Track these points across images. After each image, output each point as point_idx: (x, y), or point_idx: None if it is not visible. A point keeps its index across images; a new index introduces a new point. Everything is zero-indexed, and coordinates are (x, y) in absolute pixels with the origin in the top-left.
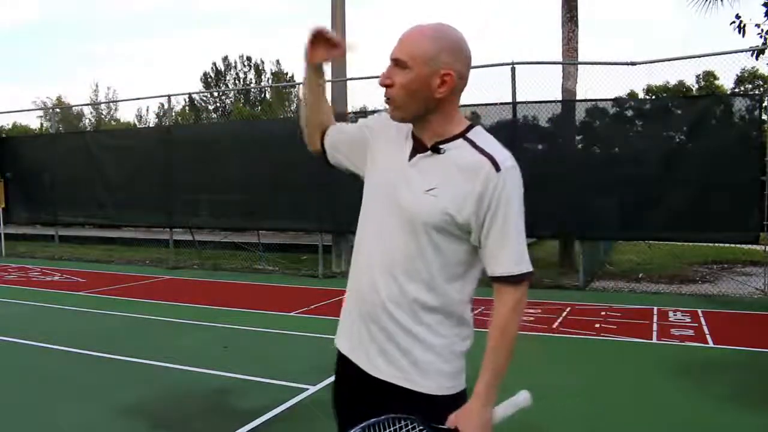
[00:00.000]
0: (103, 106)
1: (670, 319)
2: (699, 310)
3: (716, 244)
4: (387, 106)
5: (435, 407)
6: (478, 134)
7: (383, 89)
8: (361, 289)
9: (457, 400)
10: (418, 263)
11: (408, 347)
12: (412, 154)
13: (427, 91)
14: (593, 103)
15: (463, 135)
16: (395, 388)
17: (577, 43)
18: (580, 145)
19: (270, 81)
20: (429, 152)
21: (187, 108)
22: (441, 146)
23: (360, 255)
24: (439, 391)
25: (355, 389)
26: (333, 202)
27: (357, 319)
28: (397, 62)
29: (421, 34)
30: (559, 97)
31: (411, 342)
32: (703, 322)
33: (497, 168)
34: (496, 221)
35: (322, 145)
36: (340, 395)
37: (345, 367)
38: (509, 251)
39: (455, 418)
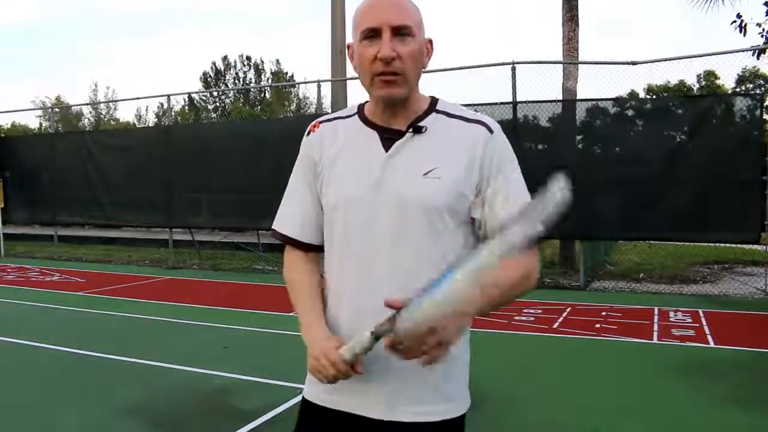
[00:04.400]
0: (102, 106)
1: (670, 319)
2: (700, 311)
3: (717, 244)
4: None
5: (453, 428)
6: (447, 104)
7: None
8: (357, 325)
9: (464, 416)
10: (434, 259)
11: (432, 369)
12: (387, 145)
13: (422, 62)
14: (594, 102)
15: (433, 109)
16: (422, 427)
17: (577, 42)
18: (580, 145)
19: (270, 81)
20: (410, 134)
21: (186, 108)
22: (421, 125)
23: (348, 282)
24: (465, 408)
25: None
26: None
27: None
28: (401, 30)
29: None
30: (560, 97)
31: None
32: (704, 323)
33: (490, 130)
34: (507, 184)
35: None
36: None
37: (343, 427)
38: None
39: None
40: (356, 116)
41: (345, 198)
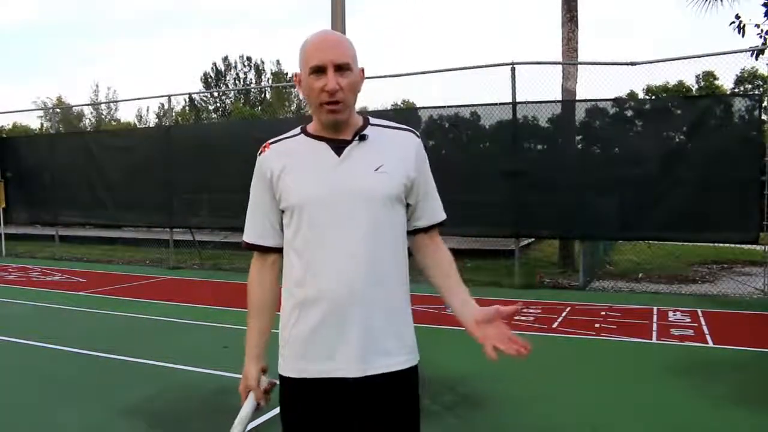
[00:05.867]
0: (103, 106)
1: (669, 319)
2: (699, 310)
3: (716, 244)
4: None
5: (414, 375)
6: (377, 120)
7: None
8: (334, 297)
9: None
10: (389, 239)
11: (397, 325)
12: (338, 152)
13: (358, 88)
14: (593, 103)
15: (367, 123)
16: (391, 376)
17: (577, 43)
18: (580, 145)
19: (270, 81)
20: (356, 141)
21: (187, 108)
22: (364, 134)
23: (320, 263)
24: (417, 358)
25: (343, 407)
26: None
27: (333, 333)
28: (342, 66)
29: (341, 38)
30: (559, 97)
31: (397, 318)
32: (703, 322)
33: (417, 136)
34: (427, 178)
35: (275, 248)
36: (319, 426)
37: (321, 392)
38: (438, 201)
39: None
40: (302, 135)
41: (309, 197)
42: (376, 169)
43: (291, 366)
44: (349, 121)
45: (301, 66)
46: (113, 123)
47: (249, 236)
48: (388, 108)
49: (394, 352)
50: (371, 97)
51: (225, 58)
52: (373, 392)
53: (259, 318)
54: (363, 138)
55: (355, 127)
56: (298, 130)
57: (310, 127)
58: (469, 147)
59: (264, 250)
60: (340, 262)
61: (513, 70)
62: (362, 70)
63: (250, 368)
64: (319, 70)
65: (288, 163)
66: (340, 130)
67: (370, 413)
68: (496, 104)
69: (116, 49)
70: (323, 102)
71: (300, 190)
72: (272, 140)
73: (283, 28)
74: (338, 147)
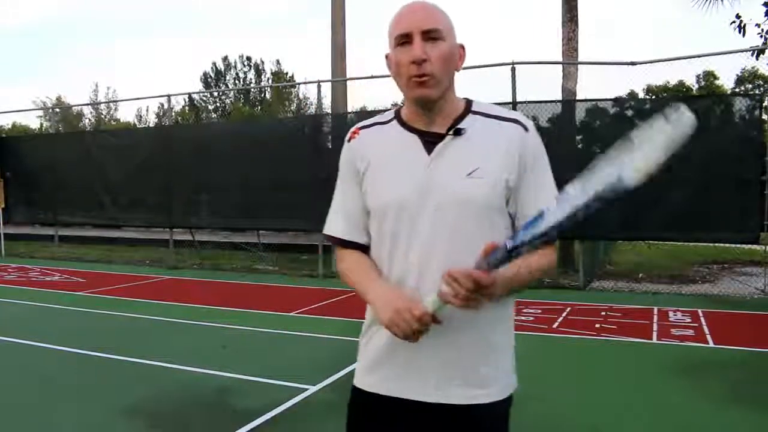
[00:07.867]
0: (102, 106)
1: (670, 319)
2: (699, 310)
3: (716, 244)
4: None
5: (501, 410)
6: (482, 105)
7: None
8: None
9: (511, 396)
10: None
11: (482, 353)
12: (429, 148)
13: (454, 65)
14: (593, 103)
15: (469, 110)
16: (471, 409)
17: (577, 43)
18: (580, 145)
19: (270, 81)
20: (450, 137)
21: (187, 108)
22: (460, 127)
23: (396, 276)
24: (508, 391)
25: (411, 430)
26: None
27: (411, 350)
28: (430, 33)
29: (435, 7)
30: (559, 97)
31: (483, 344)
32: (703, 322)
33: (525, 129)
34: (534, 182)
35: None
36: None
37: (389, 411)
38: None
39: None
40: (395, 121)
41: (393, 201)
42: (470, 174)
43: (363, 378)
44: (445, 106)
45: (389, 42)
46: (113, 123)
47: (337, 230)
48: (389, 108)
49: (475, 382)
50: (371, 97)
51: (225, 58)
52: (445, 423)
53: (372, 272)
54: (458, 132)
55: (452, 117)
56: (392, 114)
57: (404, 112)
58: None
59: (344, 244)
60: (418, 278)
61: (513, 70)
62: (462, 47)
63: (395, 293)
64: (405, 40)
65: (375, 158)
66: (434, 119)
67: None
68: (495, 104)
69: (116, 49)
70: (411, 76)
71: (382, 192)
72: (362, 125)
73: (283, 28)
74: (430, 142)
